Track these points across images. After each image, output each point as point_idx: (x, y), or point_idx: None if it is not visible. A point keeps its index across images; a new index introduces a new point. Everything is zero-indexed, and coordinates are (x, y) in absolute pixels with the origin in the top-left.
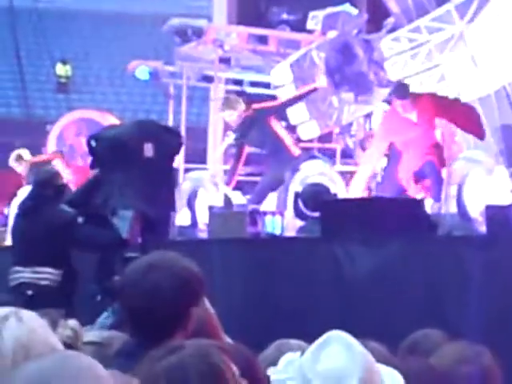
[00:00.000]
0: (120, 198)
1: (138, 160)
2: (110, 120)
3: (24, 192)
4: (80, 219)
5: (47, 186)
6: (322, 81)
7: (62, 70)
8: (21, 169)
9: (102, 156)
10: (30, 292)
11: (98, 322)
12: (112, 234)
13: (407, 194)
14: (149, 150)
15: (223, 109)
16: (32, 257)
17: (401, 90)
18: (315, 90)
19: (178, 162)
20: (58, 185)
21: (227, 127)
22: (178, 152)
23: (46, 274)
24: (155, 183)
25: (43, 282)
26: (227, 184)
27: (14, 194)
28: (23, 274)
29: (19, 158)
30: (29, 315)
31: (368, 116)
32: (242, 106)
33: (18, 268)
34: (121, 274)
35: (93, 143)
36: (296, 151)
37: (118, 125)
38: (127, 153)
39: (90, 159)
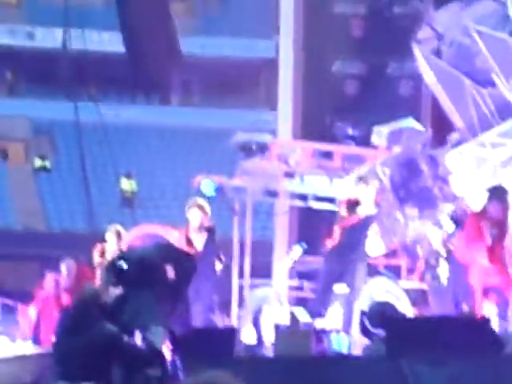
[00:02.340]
0: (150, 315)
1: (161, 280)
2: (175, 235)
3: None
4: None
5: (91, 305)
6: None
7: (126, 184)
8: (113, 247)
9: (129, 275)
10: None
11: None
12: (149, 347)
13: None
14: (170, 271)
15: (357, 184)
16: (76, 372)
17: (500, 192)
18: None
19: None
20: (101, 303)
21: (292, 241)
22: (193, 273)
23: None
24: (175, 301)
25: None
26: None
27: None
28: None
29: (118, 235)
30: None
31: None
32: (375, 183)
33: (61, 382)
34: None
35: (120, 263)
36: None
37: (141, 247)
38: (152, 274)
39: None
